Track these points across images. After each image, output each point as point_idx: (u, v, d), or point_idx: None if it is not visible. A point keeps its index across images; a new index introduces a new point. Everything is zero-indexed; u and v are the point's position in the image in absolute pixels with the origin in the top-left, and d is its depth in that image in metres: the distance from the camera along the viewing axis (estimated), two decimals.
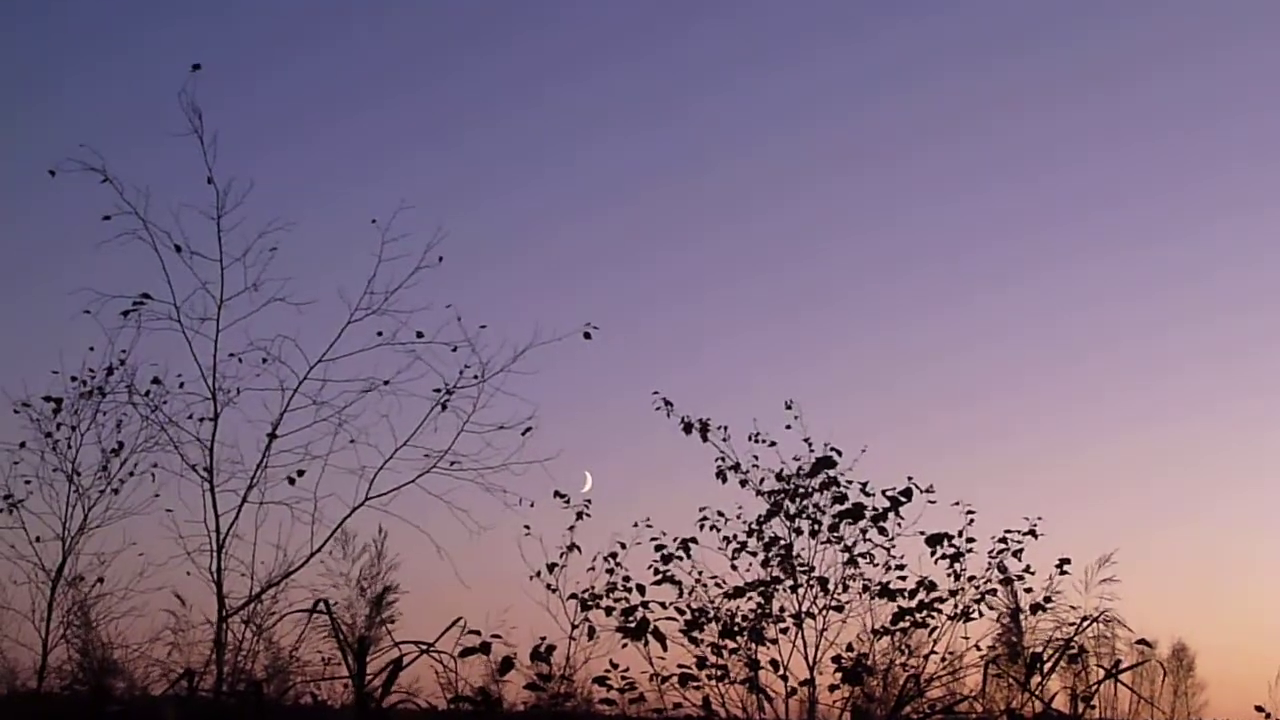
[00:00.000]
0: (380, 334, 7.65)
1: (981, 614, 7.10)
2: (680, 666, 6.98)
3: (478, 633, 7.00)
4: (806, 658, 7.14)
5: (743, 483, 7.40)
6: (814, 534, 7.21)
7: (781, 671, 7.03)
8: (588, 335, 7.73)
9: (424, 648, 7.19)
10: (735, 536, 7.30)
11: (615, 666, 7.01)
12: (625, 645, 7.15)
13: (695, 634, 7.03)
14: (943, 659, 7.09)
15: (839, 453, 7.28)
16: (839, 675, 7.01)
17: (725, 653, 7.01)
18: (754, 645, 7.04)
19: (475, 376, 7.68)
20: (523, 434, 7.59)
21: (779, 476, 7.35)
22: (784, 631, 7.15)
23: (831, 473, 7.24)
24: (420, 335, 7.63)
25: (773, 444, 7.40)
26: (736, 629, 7.04)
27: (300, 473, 7.57)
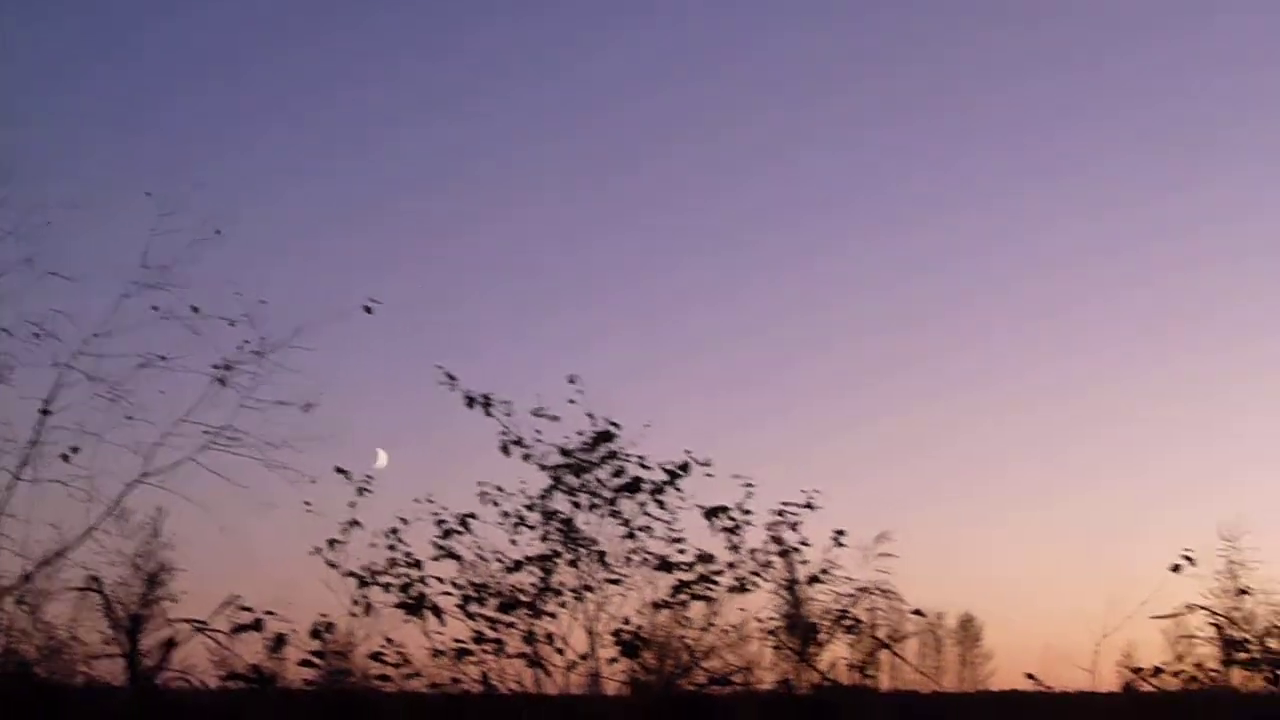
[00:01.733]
0: (156, 308, 7.44)
1: (759, 586, 7.12)
2: (456, 641, 6.95)
3: (251, 609, 6.95)
4: (588, 631, 7.12)
5: (526, 457, 7.33)
6: (593, 508, 7.16)
7: (558, 645, 7.01)
8: (368, 309, 7.59)
9: (198, 625, 7.14)
10: (515, 511, 7.22)
11: (390, 642, 6.97)
12: (409, 621, 7.10)
13: (470, 609, 6.98)
14: (721, 631, 7.11)
15: (618, 426, 7.23)
16: (618, 648, 7.00)
17: (501, 627, 6.98)
18: (532, 619, 7.02)
19: (255, 352, 7.49)
20: (304, 409, 7.45)
21: (562, 451, 7.28)
22: (563, 605, 7.12)
23: (611, 446, 7.20)
24: (196, 310, 7.44)
25: (555, 418, 7.32)
26: (513, 603, 7.00)
27: (75, 449, 7.38)
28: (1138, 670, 6.85)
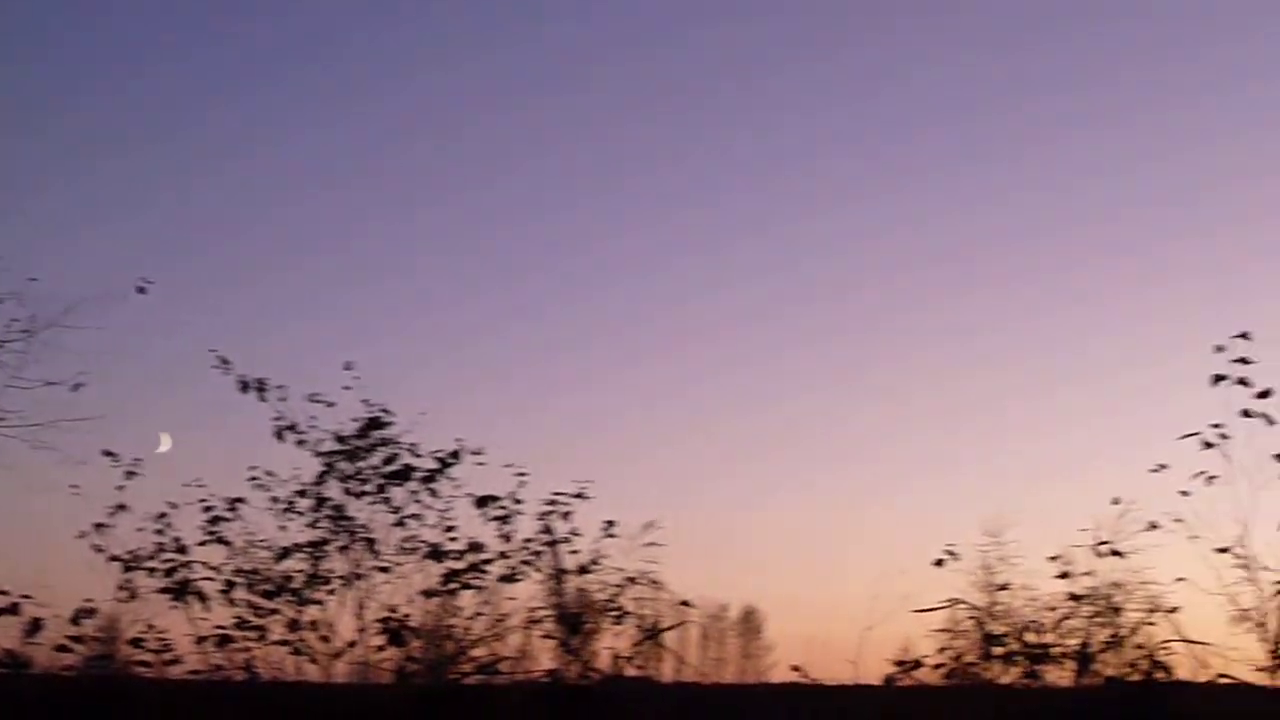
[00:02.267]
0: None
1: (529, 575, 7.10)
2: (218, 628, 6.88)
3: (7, 593, 6.83)
4: (359, 619, 7.07)
5: (300, 443, 7.25)
6: (361, 495, 7.10)
7: (322, 633, 6.95)
8: (141, 290, 7.48)
9: None
10: (285, 497, 7.15)
11: (152, 628, 6.89)
12: (175, 607, 7.02)
13: (233, 595, 6.91)
14: (490, 620, 7.08)
15: (390, 413, 7.18)
16: (385, 637, 6.96)
17: (265, 613, 6.91)
18: (298, 606, 6.95)
19: (24, 331, 7.35)
20: (72, 389, 7.33)
21: (337, 437, 7.21)
22: (332, 593, 7.06)
23: (382, 433, 7.14)
24: None
25: (331, 404, 7.26)
26: (276, 589, 6.94)
27: None
28: (900, 663, 6.89)
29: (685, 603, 7.12)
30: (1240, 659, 6.80)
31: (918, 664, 6.89)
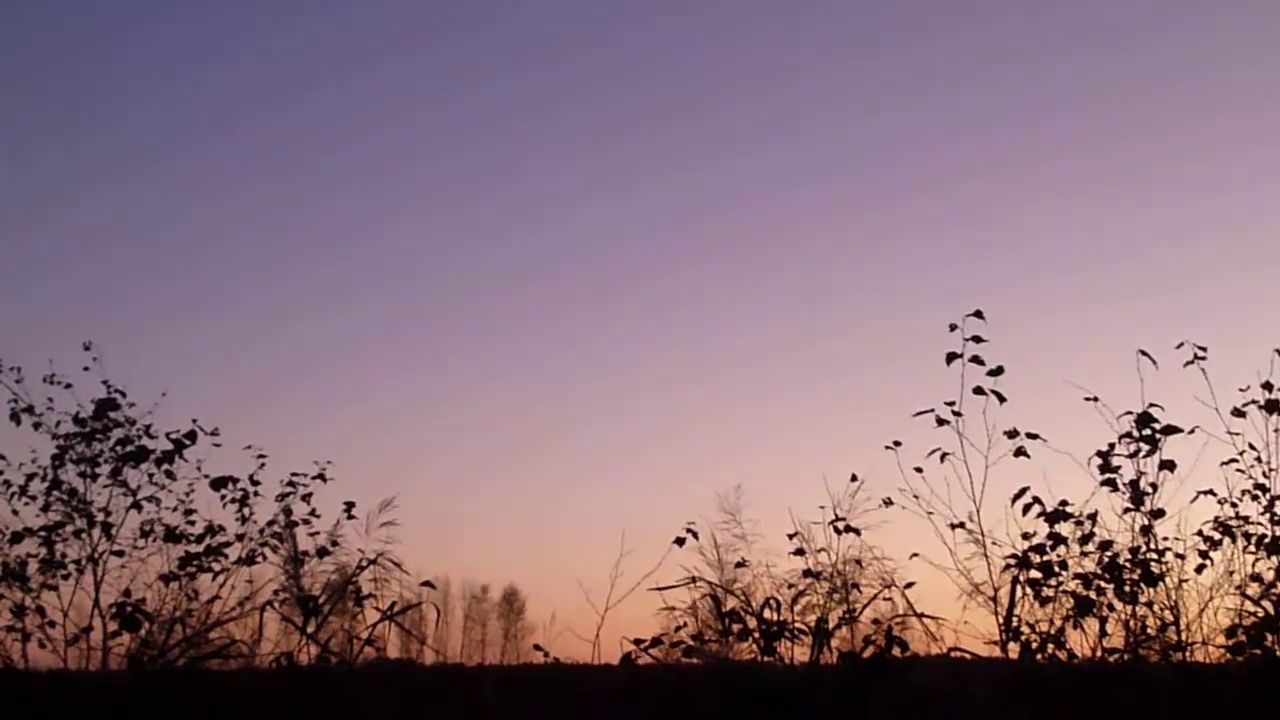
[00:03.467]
0: None
1: (266, 558, 7.01)
2: None
3: None
4: (95, 604, 6.95)
5: (36, 425, 7.11)
6: (95, 477, 6.97)
7: (49, 619, 6.83)
8: None
9: None
10: (18, 481, 7.01)
11: None
12: None
13: None
14: (228, 604, 7.00)
15: (124, 394, 7.06)
16: (117, 622, 6.84)
17: None
18: (24, 591, 6.83)
19: None
20: None
21: (75, 419, 7.07)
22: (66, 578, 6.93)
23: (116, 415, 7.00)
24: None
25: (69, 386, 7.11)
26: (7, 574, 6.81)
27: None
28: (638, 641, 6.87)
29: (428, 584, 7.06)
30: (973, 633, 6.86)
31: (655, 642, 6.86)
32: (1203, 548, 6.91)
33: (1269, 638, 6.71)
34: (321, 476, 7.10)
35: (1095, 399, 6.89)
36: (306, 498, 7.09)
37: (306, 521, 7.09)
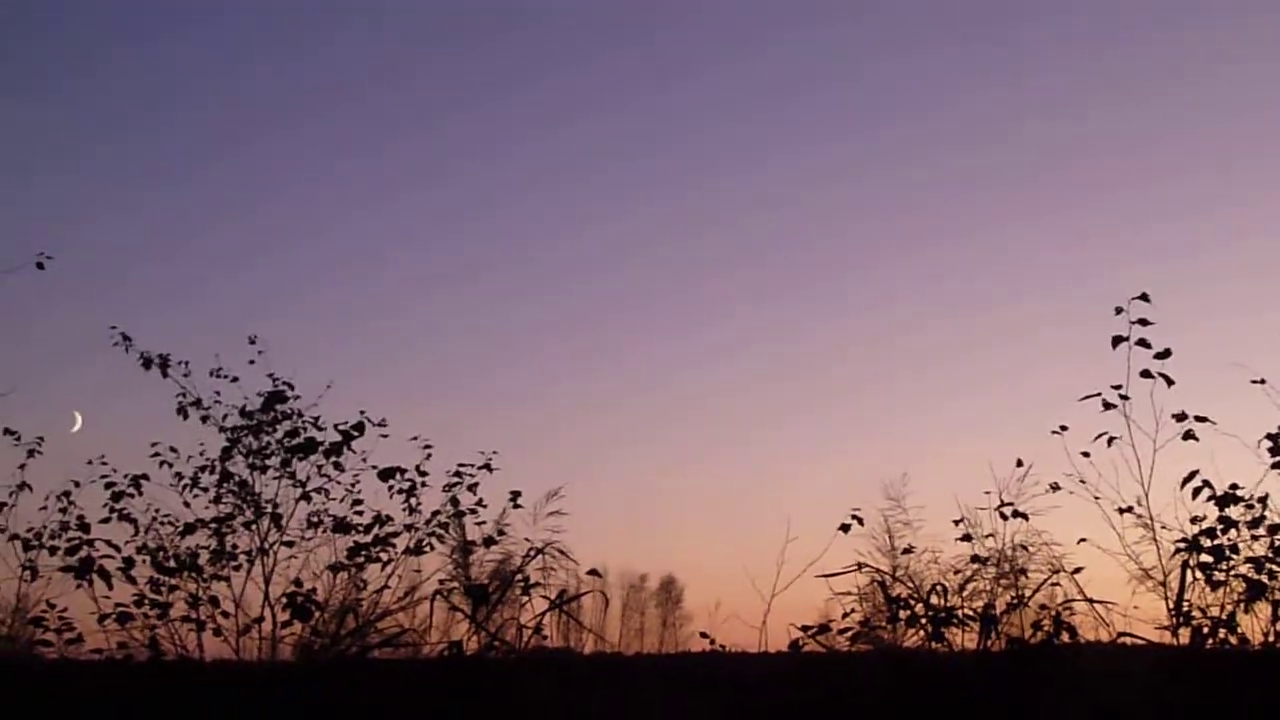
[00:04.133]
0: None
1: (434, 547, 7.08)
2: (118, 605, 6.83)
3: None
4: (265, 594, 7.02)
5: (204, 419, 7.20)
6: (264, 469, 7.06)
7: (222, 608, 6.91)
8: (40, 265, 7.40)
9: None
10: (189, 473, 7.11)
11: (53, 606, 6.85)
12: (79, 586, 6.96)
13: (132, 572, 6.86)
14: (396, 593, 7.07)
15: (292, 387, 7.14)
16: (289, 612, 6.92)
17: (165, 590, 6.86)
18: (199, 582, 6.91)
19: None
20: None
21: (242, 412, 7.17)
22: (237, 569, 7.02)
23: (285, 407, 7.09)
24: None
25: (235, 379, 7.20)
26: (180, 566, 6.89)
27: None
28: (805, 628, 6.89)
29: (594, 572, 7.11)
30: (1142, 618, 6.84)
31: (824, 629, 6.88)
32: None
33: None
34: (488, 467, 7.15)
35: (1263, 381, 6.86)
36: (473, 488, 7.15)
37: (473, 511, 7.15)
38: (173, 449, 7.13)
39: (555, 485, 7.04)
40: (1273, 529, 6.75)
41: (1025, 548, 6.95)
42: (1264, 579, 6.70)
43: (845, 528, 7.04)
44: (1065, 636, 6.81)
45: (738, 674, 7.18)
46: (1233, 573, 6.74)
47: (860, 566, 6.99)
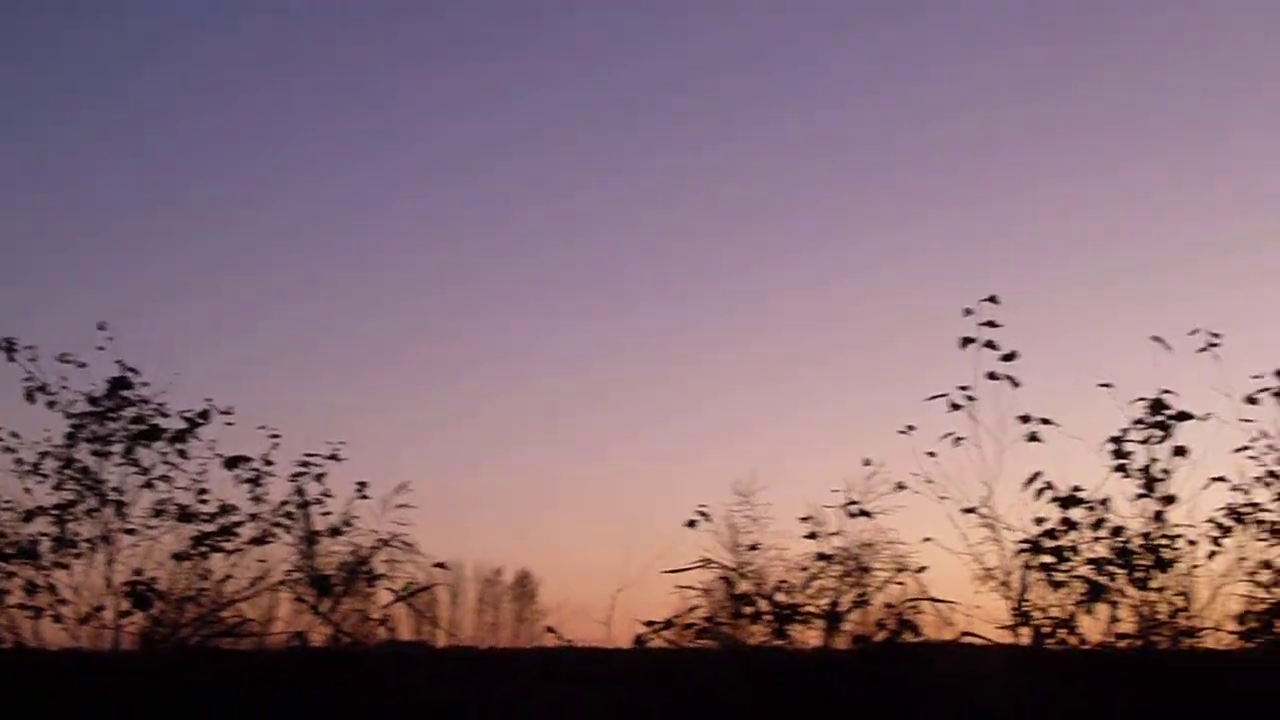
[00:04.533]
0: None
1: (279, 537, 7.01)
2: None
3: None
4: (107, 582, 6.94)
5: (51, 404, 7.10)
6: (108, 456, 6.96)
7: (63, 597, 6.83)
8: None
9: None
10: (30, 459, 7.00)
11: None
12: None
13: None
14: (240, 584, 6.99)
15: (137, 372, 7.06)
16: (130, 601, 6.84)
17: (2, 576, 6.77)
18: (37, 569, 6.82)
19: None
20: None
21: (88, 398, 7.06)
22: (79, 556, 6.93)
23: (129, 394, 7.00)
24: None
25: (83, 365, 7.11)
26: (19, 552, 6.80)
27: None
28: (650, 623, 6.88)
29: (441, 565, 7.07)
30: (984, 617, 6.87)
31: (668, 624, 6.87)
32: (1215, 534, 6.92)
33: (1278, 624, 6.74)
34: (335, 456, 7.10)
35: (1109, 385, 6.91)
36: (320, 477, 7.09)
37: (319, 501, 7.09)
38: (14, 434, 7.04)
39: (407, 479, 6.99)
40: (1114, 531, 6.80)
41: (871, 546, 6.97)
42: (1103, 580, 6.75)
43: (692, 523, 7.03)
44: (909, 635, 6.83)
45: (591, 669, 7.16)
46: (1073, 573, 6.78)
47: (707, 562, 6.98)
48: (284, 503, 7.09)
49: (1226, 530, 6.95)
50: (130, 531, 6.99)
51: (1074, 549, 6.78)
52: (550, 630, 7.00)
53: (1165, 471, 6.83)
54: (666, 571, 6.93)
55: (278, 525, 7.06)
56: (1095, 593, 6.73)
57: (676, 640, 6.91)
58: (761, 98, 37.89)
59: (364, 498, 7.05)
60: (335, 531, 7.06)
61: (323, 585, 6.89)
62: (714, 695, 6.85)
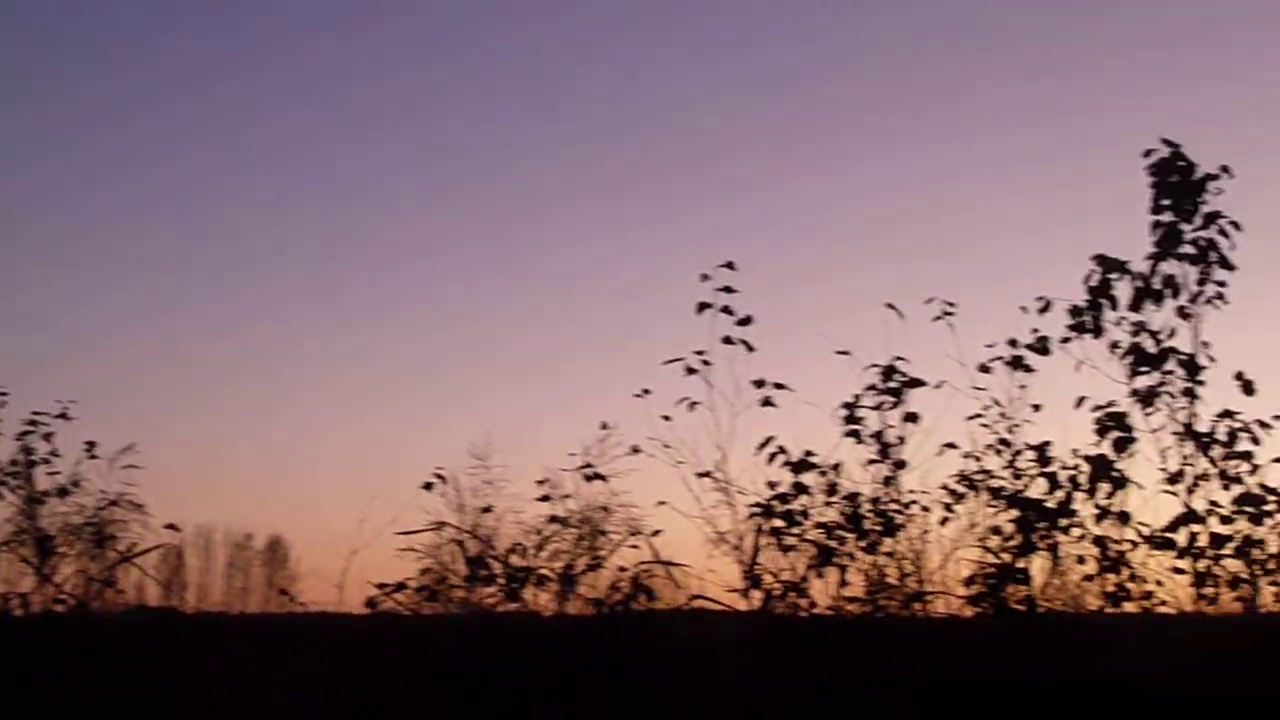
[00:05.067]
0: None
1: (3, 497, 6.86)
2: None
3: None
4: None
5: None
6: None
7: None
8: None
9: None
10: None
11: None
12: None
13: None
14: None
15: None
16: None
17: None
18: None
19: None
20: None
21: None
22: None
23: None
24: None
25: None
26: None
27: None
28: (382, 586, 6.82)
29: (171, 526, 6.95)
30: (718, 581, 6.90)
31: (400, 587, 6.82)
32: (947, 500, 7.01)
33: (1005, 589, 6.83)
34: (64, 415, 6.95)
35: (847, 353, 6.96)
36: (48, 436, 6.94)
37: (46, 461, 6.93)
38: None
39: (139, 437, 6.87)
40: (846, 496, 6.86)
41: (605, 510, 6.97)
42: (833, 544, 6.80)
43: (429, 486, 6.98)
44: (643, 598, 6.84)
45: (330, 632, 7.09)
46: (804, 537, 6.83)
47: (441, 525, 6.94)
48: (13, 462, 6.94)
49: (959, 497, 7.05)
50: None
51: (805, 513, 6.83)
52: (284, 594, 6.91)
53: (900, 438, 6.90)
54: (399, 534, 6.88)
55: (1, 485, 6.90)
56: (825, 556, 6.78)
57: (409, 603, 6.86)
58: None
59: (93, 457, 6.92)
60: (63, 492, 6.92)
61: (45, 546, 6.74)
62: (446, 659, 6.81)
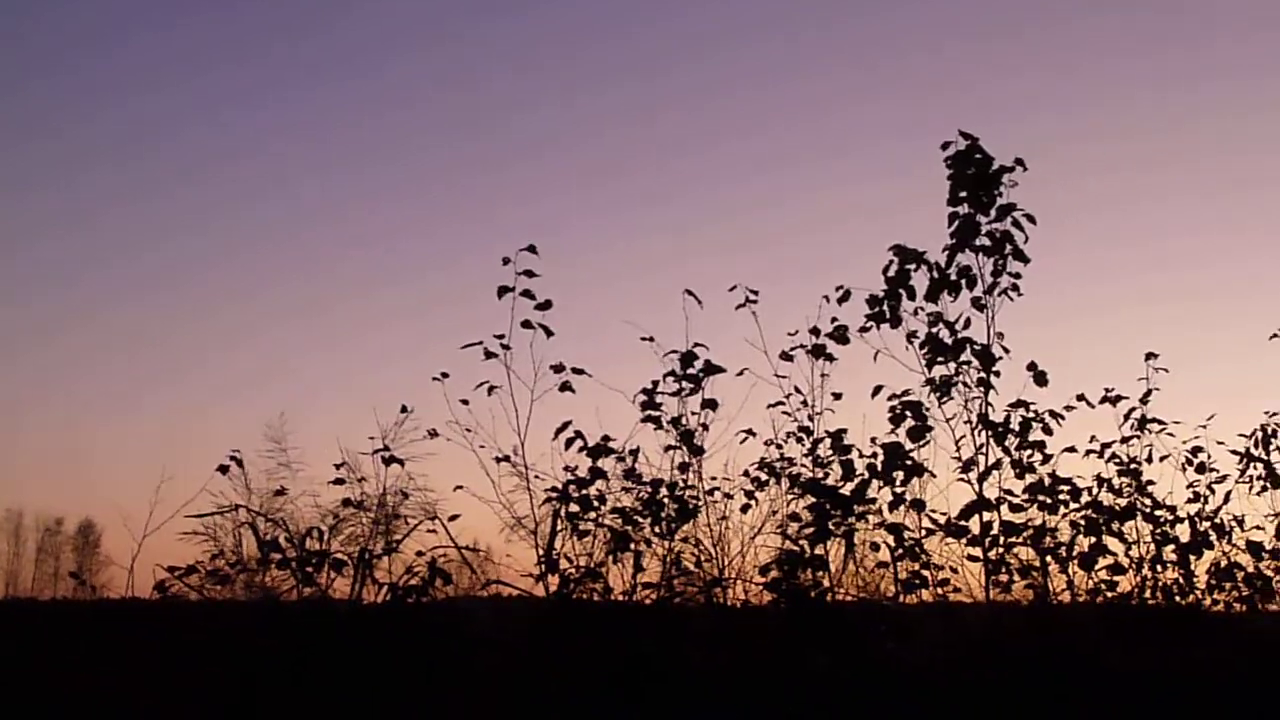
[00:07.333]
0: None
1: None
2: None
3: None
4: None
5: None
6: None
7: None
8: None
9: None
10: None
11: None
12: None
13: None
14: None
15: None
16: None
17: None
18: None
19: None
20: None
21: None
22: None
23: None
24: None
25: None
26: None
27: None
28: (172, 569, 6.72)
29: None
30: (515, 567, 6.89)
31: (191, 570, 6.73)
32: (748, 488, 7.06)
33: (801, 575, 6.88)
34: None
35: (651, 339, 6.97)
36: None
37: None
38: None
39: None
40: (644, 482, 6.87)
41: (403, 494, 6.92)
42: (629, 530, 6.82)
43: (224, 469, 6.89)
44: (440, 583, 6.81)
45: (122, 616, 6.99)
46: (600, 522, 6.84)
47: (235, 508, 6.85)
48: None
49: (761, 484, 7.10)
50: None
51: (602, 498, 6.84)
52: (74, 575, 6.79)
53: (704, 426, 6.94)
54: (191, 516, 6.78)
55: None
56: (620, 542, 6.79)
57: (199, 587, 6.77)
58: None
59: None
60: None
61: None
62: (238, 643, 6.74)
